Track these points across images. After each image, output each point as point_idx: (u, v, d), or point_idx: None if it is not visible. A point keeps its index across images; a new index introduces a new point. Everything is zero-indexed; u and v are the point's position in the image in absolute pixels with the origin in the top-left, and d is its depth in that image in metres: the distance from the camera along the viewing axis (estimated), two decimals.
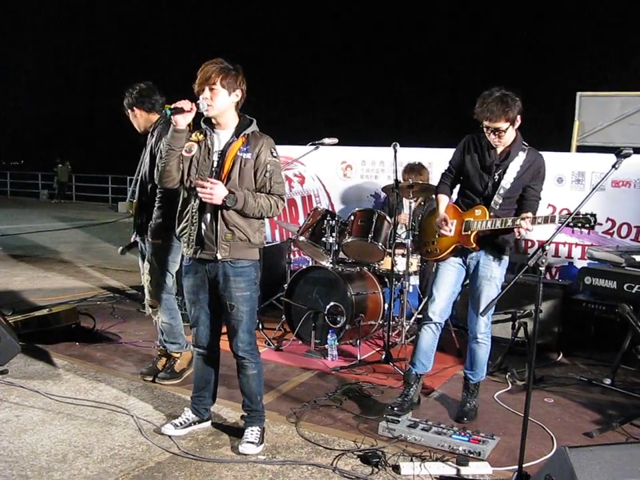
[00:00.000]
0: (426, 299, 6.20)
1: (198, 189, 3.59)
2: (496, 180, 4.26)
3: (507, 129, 4.11)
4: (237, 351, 3.87)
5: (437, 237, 4.47)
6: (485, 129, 4.19)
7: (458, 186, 4.58)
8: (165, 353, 5.04)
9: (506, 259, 4.40)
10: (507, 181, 4.23)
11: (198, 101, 3.61)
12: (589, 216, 3.69)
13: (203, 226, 3.73)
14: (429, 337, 4.50)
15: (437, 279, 4.49)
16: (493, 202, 4.26)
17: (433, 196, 4.78)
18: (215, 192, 3.54)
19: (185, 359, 4.99)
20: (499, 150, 4.27)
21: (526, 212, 4.15)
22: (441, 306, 4.44)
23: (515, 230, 4.11)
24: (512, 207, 4.30)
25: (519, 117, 4.16)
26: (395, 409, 4.30)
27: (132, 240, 5.16)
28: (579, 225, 3.73)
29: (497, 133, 4.14)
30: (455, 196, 4.63)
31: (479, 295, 4.37)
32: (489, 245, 4.33)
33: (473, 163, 4.35)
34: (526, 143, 4.29)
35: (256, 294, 3.88)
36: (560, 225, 3.68)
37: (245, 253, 3.76)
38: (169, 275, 4.85)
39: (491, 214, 4.24)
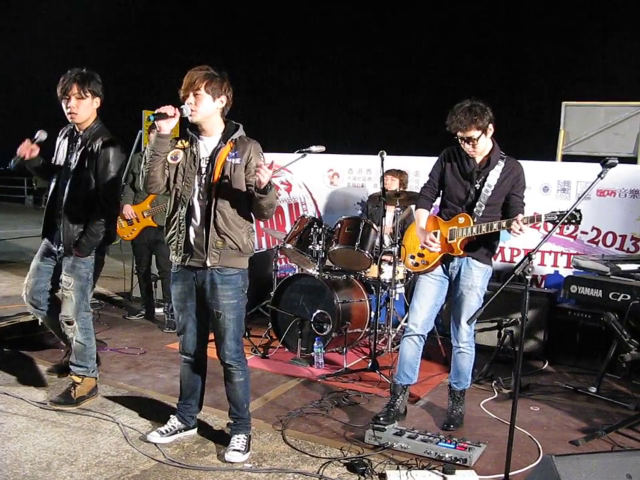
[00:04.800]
0: None
1: (259, 168, 3.47)
2: (477, 187, 4.32)
3: (479, 137, 4.19)
4: (224, 359, 3.85)
5: (422, 249, 4.49)
6: (460, 140, 4.26)
7: (438, 199, 4.63)
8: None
9: (489, 268, 4.43)
10: (487, 188, 4.29)
11: (182, 106, 3.60)
12: (573, 211, 3.75)
13: (192, 233, 3.72)
14: (412, 349, 4.51)
15: (418, 290, 4.51)
16: (475, 209, 4.31)
17: (412, 206, 4.79)
18: (268, 175, 3.47)
19: (87, 386, 4.57)
20: (478, 159, 4.32)
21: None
22: (422, 318, 4.45)
23: (512, 232, 4.11)
24: (495, 215, 4.34)
25: (490, 126, 4.23)
26: (381, 419, 4.29)
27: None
28: (565, 221, 3.79)
29: (470, 142, 4.21)
30: (435, 210, 4.66)
31: (460, 304, 4.38)
32: (471, 253, 4.35)
33: (454, 172, 4.40)
34: (503, 152, 4.36)
35: (243, 302, 3.86)
36: (548, 231, 3.69)
37: (234, 262, 3.76)
38: (90, 292, 4.57)
39: (474, 220, 4.28)
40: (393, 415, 4.41)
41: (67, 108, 4.28)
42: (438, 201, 4.64)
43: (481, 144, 4.23)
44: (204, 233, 3.69)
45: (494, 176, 4.28)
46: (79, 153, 4.35)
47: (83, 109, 4.30)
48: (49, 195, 4.52)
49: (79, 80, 4.24)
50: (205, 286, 3.77)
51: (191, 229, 3.72)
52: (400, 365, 4.56)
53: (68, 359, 4.73)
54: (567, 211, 3.74)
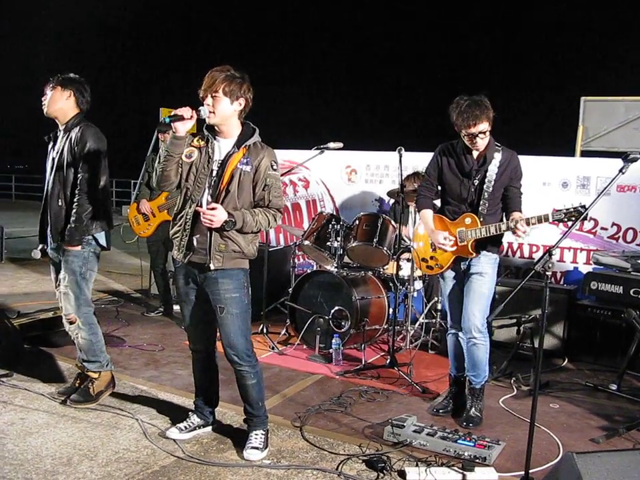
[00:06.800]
0: (430, 304, 6.25)
1: (201, 213, 3.56)
2: (477, 185, 4.33)
3: (487, 129, 4.19)
4: (231, 358, 3.79)
5: (433, 251, 4.51)
6: (466, 137, 4.25)
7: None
8: (83, 372, 4.63)
9: (496, 256, 4.45)
10: (488, 184, 4.30)
11: (200, 108, 3.59)
12: (579, 208, 3.80)
13: (196, 233, 3.70)
14: (454, 343, 4.61)
15: (444, 292, 4.61)
16: (480, 207, 4.33)
17: None
18: (216, 218, 3.51)
19: (104, 380, 4.54)
20: (475, 155, 4.33)
21: (513, 211, 4.27)
22: (456, 317, 4.51)
23: (515, 232, 4.15)
24: (498, 207, 4.39)
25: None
26: (440, 410, 4.55)
27: (40, 248, 4.65)
28: (573, 218, 3.84)
29: (479, 136, 4.20)
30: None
31: (469, 292, 4.38)
32: (479, 247, 4.37)
33: (452, 170, 4.42)
34: (498, 144, 4.36)
35: (246, 297, 3.81)
36: (563, 227, 3.68)
37: (236, 262, 3.74)
38: (89, 286, 4.52)
39: (481, 219, 4.30)
40: (452, 405, 4.60)
41: (42, 104, 4.40)
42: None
43: (486, 139, 4.24)
44: (207, 234, 3.67)
45: (492, 170, 4.29)
46: (61, 146, 4.38)
47: (51, 99, 4.35)
48: (43, 200, 4.52)
49: (49, 80, 4.38)
50: (207, 282, 3.75)
51: (196, 229, 3.71)
52: (451, 359, 4.68)
53: (79, 383, 4.65)
54: (574, 208, 3.81)
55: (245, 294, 3.81)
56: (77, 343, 4.51)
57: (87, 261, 4.42)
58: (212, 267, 3.67)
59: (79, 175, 4.31)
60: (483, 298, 4.30)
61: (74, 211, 4.30)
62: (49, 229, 4.47)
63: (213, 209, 3.52)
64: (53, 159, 4.42)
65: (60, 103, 4.38)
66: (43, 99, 4.39)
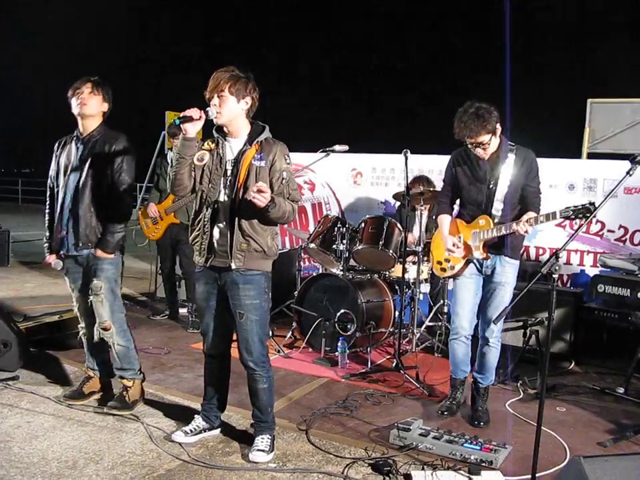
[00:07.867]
0: (436, 307, 6.22)
1: (252, 193, 3.45)
2: (492, 188, 4.33)
3: (489, 140, 4.21)
4: (246, 363, 3.81)
5: (448, 255, 4.51)
6: (469, 145, 4.28)
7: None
8: (90, 377, 4.65)
9: (518, 263, 4.47)
10: (502, 186, 4.31)
11: (207, 109, 3.60)
12: (587, 205, 3.76)
13: (216, 235, 3.71)
14: (462, 348, 4.60)
15: (457, 294, 4.57)
16: (494, 209, 4.34)
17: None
18: (266, 195, 3.43)
19: (138, 388, 4.55)
20: (487, 158, 4.34)
21: (529, 211, 4.24)
22: (467, 319, 4.52)
23: (515, 230, 4.16)
24: (515, 209, 4.37)
25: (498, 126, 4.23)
26: (445, 413, 4.52)
27: (48, 260, 4.56)
28: (580, 215, 3.81)
29: (481, 147, 4.24)
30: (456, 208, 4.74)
31: (493, 301, 4.42)
32: (503, 251, 4.37)
33: (466, 176, 4.44)
34: (512, 143, 4.36)
35: (266, 303, 3.82)
36: (575, 230, 3.67)
37: (258, 264, 3.73)
38: (119, 292, 4.50)
39: (495, 221, 4.31)
40: (455, 407, 4.59)
41: (77, 100, 4.26)
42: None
43: (492, 145, 4.26)
44: (228, 235, 3.67)
45: (506, 172, 4.30)
46: (92, 155, 4.30)
47: (92, 103, 4.28)
48: (59, 204, 4.38)
49: (92, 80, 4.31)
50: (228, 286, 3.75)
51: (215, 231, 3.71)
52: (455, 364, 4.66)
53: (86, 387, 4.63)
54: (582, 205, 3.77)
55: (266, 299, 3.81)
56: (113, 350, 4.44)
57: (118, 267, 4.44)
58: (233, 266, 3.66)
59: (118, 184, 4.28)
60: (502, 306, 4.29)
61: (113, 222, 4.30)
62: (69, 236, 4.36)
63: (262, 191, 3.43)
64: (82, 168, 4.29)
65: (96, 110, 4.33)
66: (80, 96, 4.25)
